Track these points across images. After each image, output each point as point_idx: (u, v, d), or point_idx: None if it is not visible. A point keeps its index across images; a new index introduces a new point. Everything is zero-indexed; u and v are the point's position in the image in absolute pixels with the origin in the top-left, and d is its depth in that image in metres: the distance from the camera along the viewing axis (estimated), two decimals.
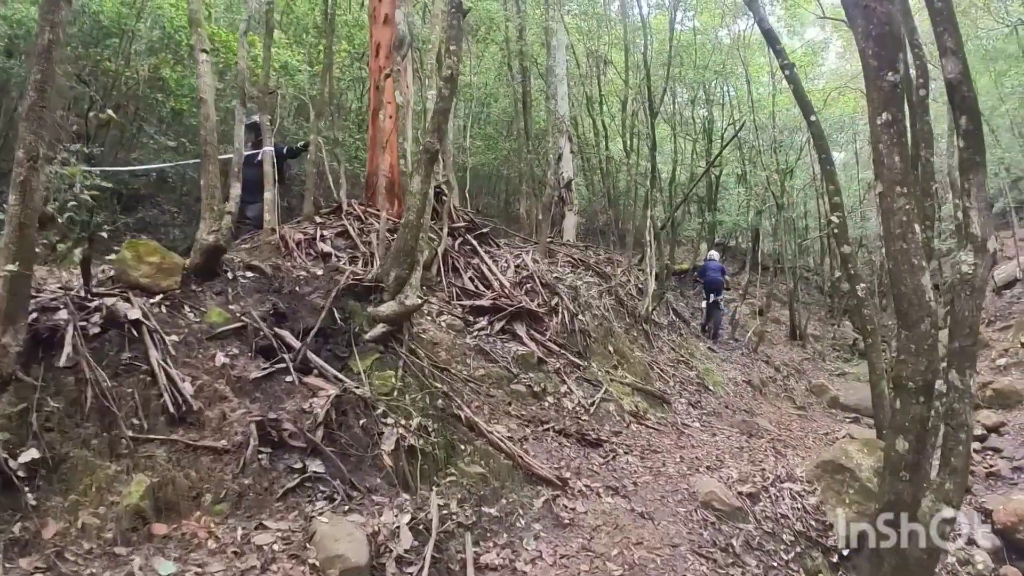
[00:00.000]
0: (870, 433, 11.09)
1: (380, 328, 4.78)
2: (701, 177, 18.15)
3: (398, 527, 3.76)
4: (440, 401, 4.95)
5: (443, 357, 6.86)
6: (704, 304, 16.21)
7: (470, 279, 8.95)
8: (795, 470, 6.77)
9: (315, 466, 3.81)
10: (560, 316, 9.03)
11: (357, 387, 4.34)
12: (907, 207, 3.71)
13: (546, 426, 6.31)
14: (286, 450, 3.83)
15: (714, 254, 17.38)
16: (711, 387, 11.49)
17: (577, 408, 7.43)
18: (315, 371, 4.35)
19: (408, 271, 4.96)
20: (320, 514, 3.61)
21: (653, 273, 12.75)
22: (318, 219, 8.72)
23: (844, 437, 10.60)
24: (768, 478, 6.49)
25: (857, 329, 21.22)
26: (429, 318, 7.49)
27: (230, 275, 4.82)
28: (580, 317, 9.34)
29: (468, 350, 7.28)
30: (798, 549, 5.47)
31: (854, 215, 22.52)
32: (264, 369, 4.17)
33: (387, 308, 4.82)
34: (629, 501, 5.37)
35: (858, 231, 22.23)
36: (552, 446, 6.00)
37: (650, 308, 12.31)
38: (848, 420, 13.48)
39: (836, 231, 7.30)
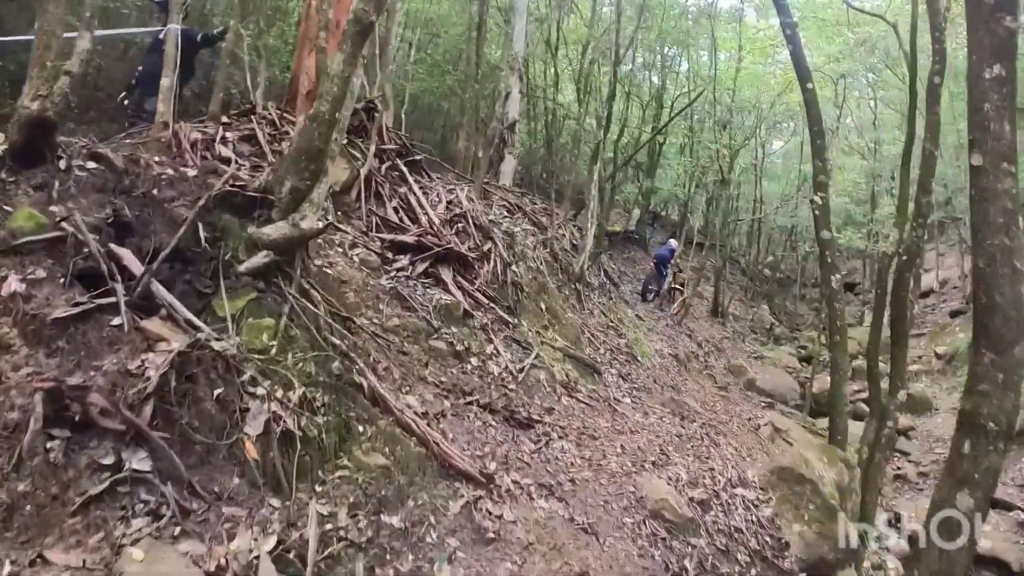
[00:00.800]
0: (790, 422, 10.60)
1: (262, 257, 3.36)
2: (649, 140, 17.15)
3: (256, 558, 2.48)
4: (336, 364, 3.63)
5: (350, 300, 5.49)
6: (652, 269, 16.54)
7: (394, 209, 7.52)
8: (747, 473, 5.86)
9: (137, 461, 2.43)
10: (492, 264, 7.76)
11: (218, 338, 2.96)
12: (1013, 191, 2.65)
13: (469, 399, 5.09)
14: (93, 434, 2.42)
15: (672, 242, 17.34)
16: (639, 358, 10.65)
17: (504, 374, 6.26)
18: (162, 311, 2.94)
19: (310, 182, 3.53)
20: (135, 541, 2.27)
21: (593, 230, 11.60)
22: (224, 120, 7.09)
23: (766, 424, 10.04)
24: (719, 481, 5.56)
25: (774, 313, 21.13)
26: (340, 250, 6.08)
27: (63, 164, 3.27)
28: (514, 268, 8.12)
29: (382, 293, 5.93)
30: (754, 572, 4.55)
31: (788, 204, 22.26)
32: (79, 305, 2.72)
33: (274, 230, 3.40)
34: (567, 506, 4.25)
35: (791, 220, 22.00)
36: (475, 426, 4.80)
37: (586, 266, 11.22)
38: (763, 404, 13.21)
39: (817, 213, 6.31)
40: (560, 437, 5.44)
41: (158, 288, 2.96)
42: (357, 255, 6.10)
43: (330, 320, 3.84)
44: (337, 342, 3.73)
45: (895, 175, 19.72)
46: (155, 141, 6.01)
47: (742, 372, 14.67)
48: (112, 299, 2.77)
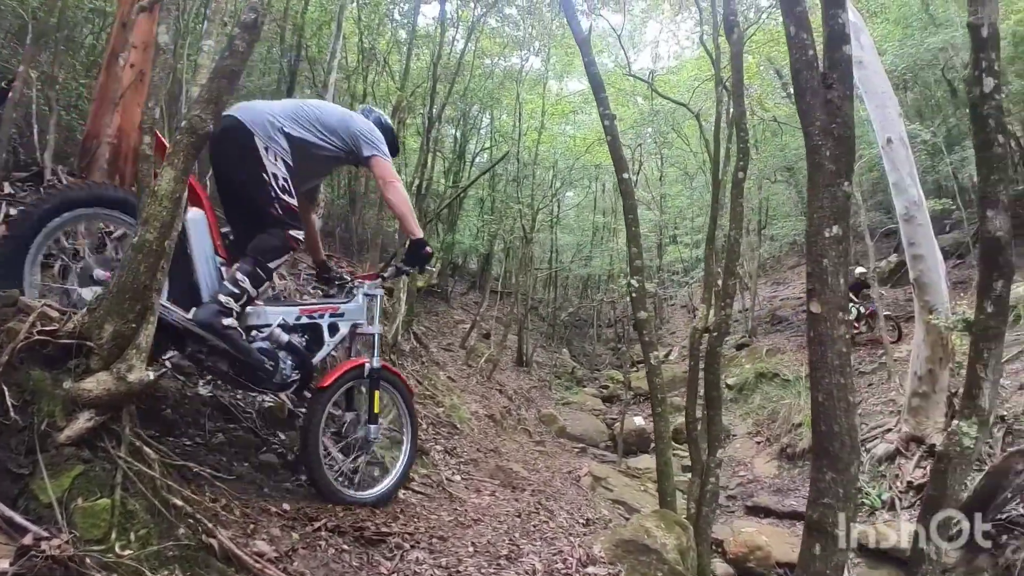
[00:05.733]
0: (607, 468, 11.65)
1: (85, 418, 2.85)
2: (456, 196, 17.53)
3: None
4: (182, 530, 3.19)
5: (168, 418, 4.92)
6: None
7: None
8: (593, 548, 6.03)
9: None
10: None
11: (49, 536, 2.47)
12: (846, 336, 3.12)
13: (315, 524, 4.73)
14: None
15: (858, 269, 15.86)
16: (459, 424, 10.70)
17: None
18: None
19: (135, 325, 3.06)
20: None
21: (404, 296, 11.48)
22: (7, 188, 6.06)
23: (586, 474, 10.85)
24: (571, 563, 5.66)
25: (574, 356, 22.38)
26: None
27: None
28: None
29: (203, 405, 5.38)
30: None
31: (581, 252, 23.95)
32: None
33: (96, 384, 2.89)
34: None
35: (586, 269, 23.64)
36: (329, 555, 4.44)
37: (400, 335, 11.07)
38: (577, 450, 14.16)
39: (635, 295, 6.81)
40: (412, 546, 5.20)
41: None
42: (169, 360, 5.46)
43: (166, 479, 3.37)
44: (178, 503, 3.27)
45: (678, 228, 22.21)
46: None
47: (553, 421, 15.37)
48: None
